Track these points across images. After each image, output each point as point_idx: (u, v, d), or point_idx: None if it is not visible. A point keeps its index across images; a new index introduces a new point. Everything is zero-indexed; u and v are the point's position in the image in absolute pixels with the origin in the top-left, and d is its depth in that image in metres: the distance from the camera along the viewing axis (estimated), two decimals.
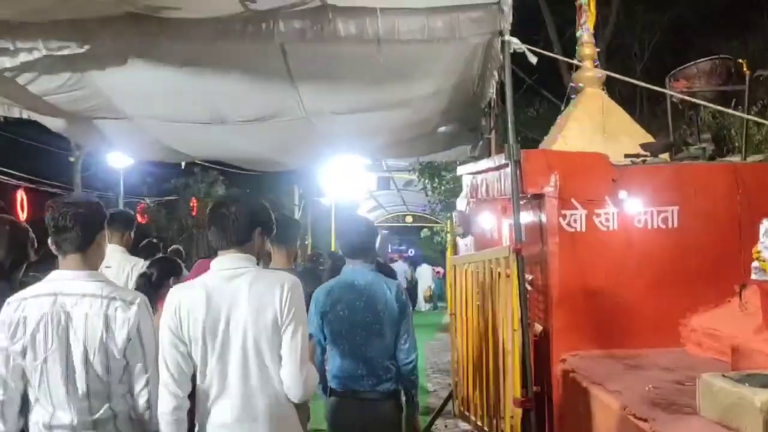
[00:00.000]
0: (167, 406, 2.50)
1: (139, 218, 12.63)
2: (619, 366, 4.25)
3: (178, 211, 13.54)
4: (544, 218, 4.56)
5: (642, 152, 4.87)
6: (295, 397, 2.62)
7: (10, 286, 2.78)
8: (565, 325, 4.49)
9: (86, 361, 2.40)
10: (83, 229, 2.49)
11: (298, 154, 7.41)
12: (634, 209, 4.52)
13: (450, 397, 6.22)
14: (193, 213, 14.33)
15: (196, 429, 2.63)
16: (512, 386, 4.56)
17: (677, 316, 4.53)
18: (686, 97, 5.18)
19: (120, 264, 4.19)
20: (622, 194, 4.49)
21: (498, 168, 5.09)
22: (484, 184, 5.65)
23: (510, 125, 4.42)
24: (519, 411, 4.32)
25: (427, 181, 11.94)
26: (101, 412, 2.43)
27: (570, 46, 6.82)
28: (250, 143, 6.62)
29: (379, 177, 17.91)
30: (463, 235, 6.87)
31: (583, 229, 4.52)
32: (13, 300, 2.46)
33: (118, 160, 9.26)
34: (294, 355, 2.58)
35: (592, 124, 5.26)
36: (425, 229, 19.86)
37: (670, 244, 4.57)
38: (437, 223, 23.14)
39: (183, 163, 8.72)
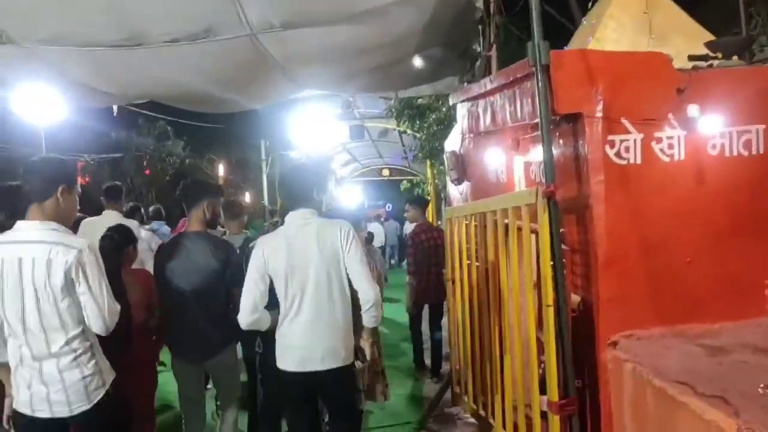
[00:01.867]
0: (246, 319, 3.25)
1: (79, 179, 11.09)
2: (695, 350, 3.04)
3: (123, 169, 11.91)
4: (583, 148, 3.26)
5: (710, 53, 3.56)
6: (368, 301, 3.23)
7: None
8: (615, 294, 3.24)
9: (37, 300, 2.66)
10: (40, 182, 2.75)
11: (248, 90, 5.98)
12: (707, 130, 3.24)
13: (448, 384, 4.99)
14: (147, 171, 12.76)
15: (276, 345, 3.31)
16: (529, 375, 3.36)
17: (764, 277, 3.32)
18: None
19: None
20: (692, 110, 3.19)
21: (511, 84, 3.76)
22: (488, 111, 4.32)
23: (534, 11, 3.08)
24: (557, 418, 3.09)
25: (406, 124, 10.49)
26: (59, 346, 2.69)
27: None
28: (182, 74, 5.19)
29: (351, 126, 16.38)
30: (457, 182, 5.56)
31: (638, 161, 3.24)
32: None
33: (39, 115, 7.68)
34: (361, 269, 3.22)
35: (634, 21, 3.93)
36: (404, 182, 18.51)
37: (754, 178, 3.31)
38: (415, 175, 21.81)
39: (115, 110, 7.25)
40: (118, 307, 2.85)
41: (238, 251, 4.00)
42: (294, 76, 5.77)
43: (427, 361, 6.93)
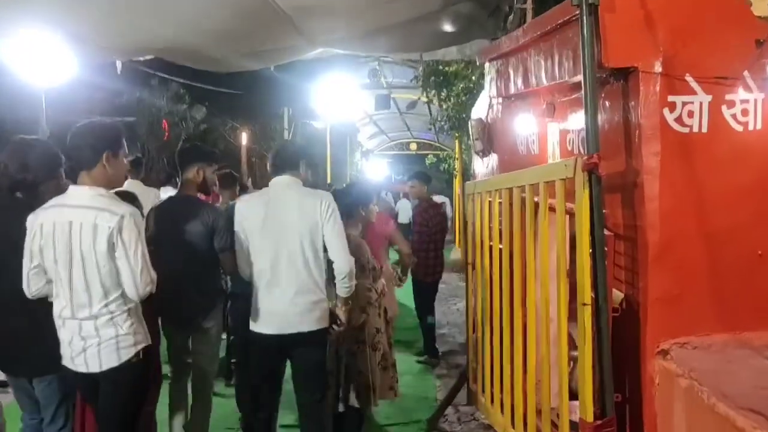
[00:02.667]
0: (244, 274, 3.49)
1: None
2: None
3: (135, 133, 11.40)
4: (635, 111, 2.65)
5: None
6: (341, 272, 3.37)
7: (35, 201, 3.02)
8: (667, 292, 2.65)
9: (83, 263, 2.77)
10: (85, 149, 2.85)
11: (252, 43, 5.41)
12: None
13: (463, 379, 4.45)
14: (166, 137, 12.25)
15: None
16: (557, 376, 2.81)
17: None
18: None
19: (141, 196, 3.97)
20: None
21: (549, 34, 3.15)
22: (520, 69, 3.70)
23: None
24: None
25: (432, 93, 9.82)
26: (99, 308, 2.80)
27: None
28: (179, 26, 4.64)
29: (377, 96, 15.75)
30: (483, 153, 4.95)
31: (704, 129, 2.63)
32: (38, 209, 2.87)
33: (39, 74, 7.23)
34: (338, 241, 3.37)
35: None
36: (430, 156, 17.88)
37: None
38: (443, 150, 21.12)
39: (118, 67, 6.74)
40: (155, 275, 2.91)
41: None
42: (305, 30, 5.18)
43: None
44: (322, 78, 15.45)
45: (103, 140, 2.88)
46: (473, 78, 9.15)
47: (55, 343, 2.89)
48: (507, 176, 3.62)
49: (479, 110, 5.17)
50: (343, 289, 3.41)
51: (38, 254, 2.83)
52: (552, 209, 2.99)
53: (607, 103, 2.83)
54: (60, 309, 2.84)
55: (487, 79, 4.51)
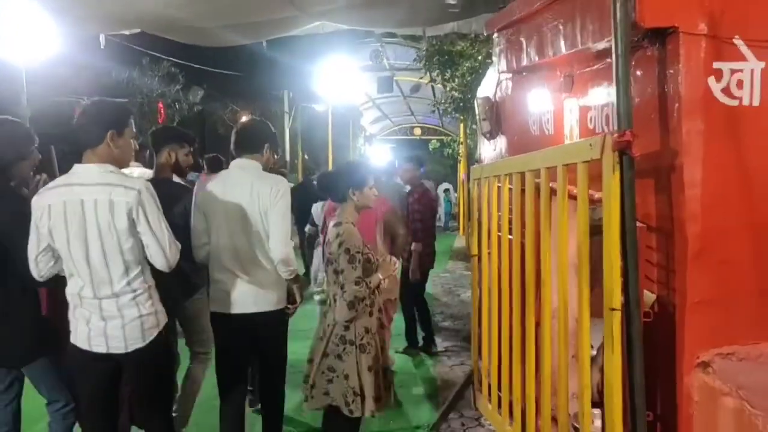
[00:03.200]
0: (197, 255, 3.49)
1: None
2: None
3: None
4: (674, 81, 2.24)
5: None
6: (275, 258, 3.37)
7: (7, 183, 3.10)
8: (709, 294, 2.26)
9: (101, 240, 2.72)
10: (91, 127, 2.80)
11: (242, 18, 5.00)
12: None
13: (468, 382, 4.08)
14: (161, 119, 11.81)
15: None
16: (577, 380, 2.42)
17: None
18: None
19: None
20: None
21: None
22: (534, 39, 3.29)
23: None
24: None
25: (436, 73, 9.37)
26: (121, 286, 2.77)
27: None
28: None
29: (380, 78, 15.28)
30: (490, 135, 4.55)
31: (756, 101, 2.23)
32: (42, 190, 2.82)
33: (19, 53, 6.88)
34: (278, 228, 3.37)
35: None
36: (434, 141, 17.44)
37: None
38: (448, 135, 20.67)
39: (102, 41, 6.34)
40: (179, 245, 2.93)
41: None
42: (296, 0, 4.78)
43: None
44: (323, 59, 15.02)
45: (108, 119, 2.85)
46: (479, 58, 8.73)
47: (35, 329, 3.01)
48: (519, 159, 3.21)
49: (486, 88, 4.75)
50: (283, 274, 3.45)
51: (48, 236, 2.76)
52: (572, 197, 2.59)
53: (638, 73, 2.42)
54: (78, 288, 2.79)
55: (496, 51, 4.09)
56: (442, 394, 4.95)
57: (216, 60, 13.93)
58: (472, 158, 15.67)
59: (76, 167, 2.81)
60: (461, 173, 16.63)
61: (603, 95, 2.77)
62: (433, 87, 15.14)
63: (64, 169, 2.96)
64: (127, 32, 6.23)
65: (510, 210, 3.39)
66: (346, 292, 3.31)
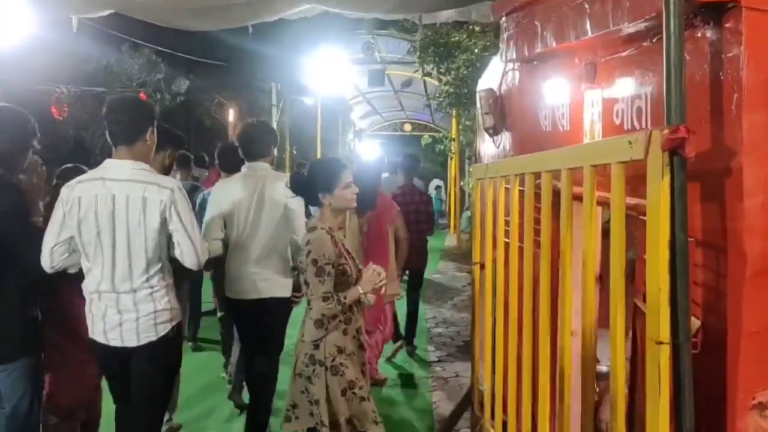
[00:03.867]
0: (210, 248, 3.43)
1: (54, 112, 9.67)
2: None
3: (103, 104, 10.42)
4: (732, 66, 1.87)
5: None
6: (302, 242, 3.25)
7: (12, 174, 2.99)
8: None
9: (128, 236, 2.77)
10: (130, 123, 2.85)
11: (230, 1, 4.59)
12: None
13: (466, 402, 3.71)
14: None
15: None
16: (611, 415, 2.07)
17: None
18: None
19: None
20: None
21: None
22: (551, 21, 2.91)
23: None
24: None
25: (431, 66, 8.97)
26: (140, 282, 2.82)
27: None
28: None
29: (371, 71, 14.87)
30: (493, 130, 4.17)
31: None
32: (71, 182, 2.86)
33: None
34: (299, 217, 3.72)
35: None
36: (426, 136, 17.07)
37: None
38: (438, 131, 20.29)
39: (74, 24, 5.90)
40: (206, 244, 3.04)
41: None
42: None
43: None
44: (313, 51, 14.60)
45: (148, 116, 2.97)
46: (476, 51, 8.36)
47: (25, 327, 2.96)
48: (533, 158, 2.83)
49: (489, 80, 4.39)
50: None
51: (75, 227, 2.80)
52: (603, 204, 2.23)
53: (686, 57, 2.04)
54: (96, 283, 2.83)
55: (503, 38, 3.71)
56: (437, 407, 4.59)
57: (202, 49, 13.45)
58: (463, 155, 15.31)
59: (108, 162, 2.87)
60: (453, 170, 16.27)
61: (635, 85, 2.40)
62: (425, 82, 14.78)
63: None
64: (99, 15, 5.81)
65: (520, 215, 3.03)
66: (312, 309, 2.93)
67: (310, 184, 3.11)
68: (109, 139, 2.89)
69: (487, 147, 4.59)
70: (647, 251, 1.81)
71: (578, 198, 2.34)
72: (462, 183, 15.41)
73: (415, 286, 6.33)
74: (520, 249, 3.01)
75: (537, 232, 2.94)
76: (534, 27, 3.11)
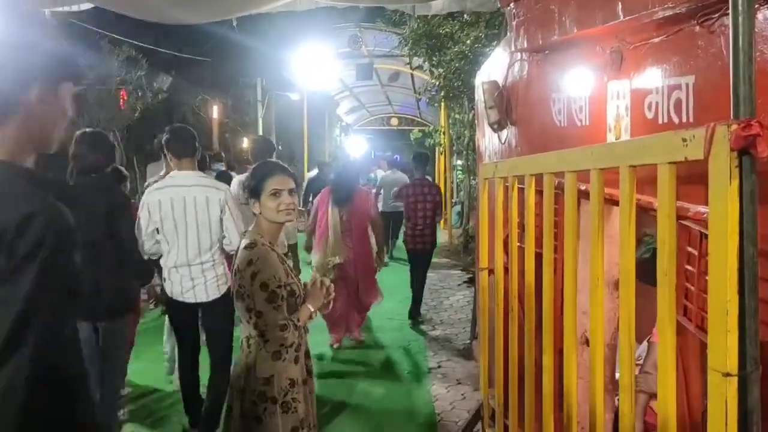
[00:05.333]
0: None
1: None
2: None
3: (84, 105, 9.94)
4: None
5: None
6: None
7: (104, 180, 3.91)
8: None
9: (197, 226, 3.84)
10: (189, 143, 3.96)
11: None
12: None
13: (476, 419, 3.46)
14: (120, 107, 10.90)
15: None
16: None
17: None
18: None
19: None
20: None
21: None
22: (572, 4, 2.65)
23: None
24: None
25: (423, 59, 8.69)
26: (205, 257, 3.88)
27: None
28: None
29: (358, 65, 14.55)
30: (498, 126, 3.91)
31: None
32: (152, 189, 3.97)
33: None
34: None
35: None
36: (415, 131, 16.77)
37: None
38: (426, 125, 19.99)
39: (47, 14, 5.55)
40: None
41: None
42: None
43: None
44: (298, 45, 14.27)
45: (196, 138, 4.06)
46: (467, 42, 8.10)
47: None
48: (554, 156, 2.56)
49: (492, 71, 4.13)
50: None
51: (159, 222, 3.85)
52: (645, 209, 1.98)
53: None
54: (174, 259, 3.83)
55: (511, 26, 3.45)
56: (441, 420, 4.34)
57: (184, 44, 13.07)
58: (452, 150, 15.05)
59: (175, 173, 3.94)
60: (441, 164, 16.02)
61: (673, 74, 2.14)
62: (413, 75, 14.47)
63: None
64: (76, 8, 5.49)
65: (537, 218, 2.78)
66: (268, 341, 2.55)
67: (248, 188, 2.75)
68: (170, 156, 3.95)
69: (489, 143, 4.34)
70: (710, 268, 1.56)
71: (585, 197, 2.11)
72: (454, 176, 15.20)
73: (425, 264, 7.24)
74: (537, 255, 2.76)
75: (556, 237, 2.71)
76: (550, 13, 2.85)
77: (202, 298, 3.86)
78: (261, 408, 2.57)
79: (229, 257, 3.78)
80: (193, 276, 3.84)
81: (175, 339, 4.27)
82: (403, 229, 7.75)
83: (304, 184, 10.24)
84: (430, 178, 13.11)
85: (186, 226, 3.78)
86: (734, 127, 1.48)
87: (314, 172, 10.65)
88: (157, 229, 3.85)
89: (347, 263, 5.82)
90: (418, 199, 7.12)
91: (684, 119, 2.11)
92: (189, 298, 3.85)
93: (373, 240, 6.12)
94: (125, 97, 11.79)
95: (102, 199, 3.60)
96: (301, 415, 2.63)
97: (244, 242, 2.64)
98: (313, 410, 2.80)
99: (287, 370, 2.61)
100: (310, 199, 8.59)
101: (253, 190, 2.67)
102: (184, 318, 4.01)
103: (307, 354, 2.78)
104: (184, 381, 4.09)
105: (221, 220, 3.82)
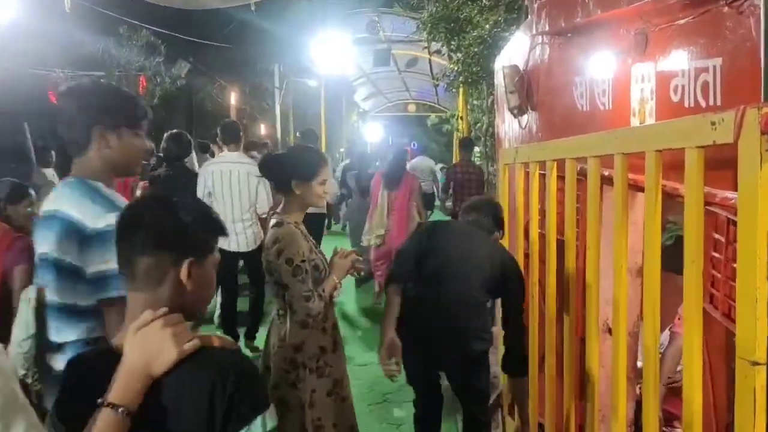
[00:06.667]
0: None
1: (52, 97, 9.46)
2: None
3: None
4: None
5: None
6: None
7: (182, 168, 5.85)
8: None
9: (239, 193, 5.29)
10: (235, 132, 5.55)
11: None
12: None
13: (497, 405, 3.43)
14: (141, 93, 10.97)
15: None
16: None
17: None
18: None
19: None
20: None
21: None
22: None
23: None
24: None
25: (441, 43, 8.62)
26: (246, 216, 5.33)
27: None
28: None
29: (376, 51, 14.48)
30: (519, 110, 3.87)
31: None
32: (205, 164, 5.67)
33: None
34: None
35: None
36: (432, 116, 16.66)
37: None
38: (444, 111, 19.87)
39: (66, 4, 5.61)
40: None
41: None
42: None
43: None
44: (316, 31, 14.22)
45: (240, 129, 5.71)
46: (486, 26, 8.01)
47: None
48: (577, 141, 2.52)
49: (513, 56, 4.07)
50: None
51: (211, 187, 5.26)
52: (671, 195, 1.94)
53: None
54: (222, 217, 4.07)
55: (533, 9, 3.39)
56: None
57: (202, 30, 13.05)
58: (470, 136, 14.93)
59: (226, 152, 5.49)
60: (455, 151, 15.93)
61: (700, 57, 2.09)
62: (430, 61, 14.34)
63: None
64: None
65: (559, 205, 2.74)
66: (295, 312, 2.67)
67: (284, 167, 2.83)
68: (222, 142, 5.55)
69: (509, 128, 4.29)
70: (739, 255, 1.52)
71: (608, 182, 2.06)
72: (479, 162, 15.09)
73: None
74: (558, 242, 2.73)
75: (578, 224, 2.67)
76: None
77: (243, 248, 5.26)
78: (293, 375, 2.70)
79: (261, 219, 5.32)
80: (236, 230, 5.16)
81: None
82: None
83: (338, 172, 10.26)
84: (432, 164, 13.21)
85: (231, 192, 5.22)
86: (765, 109, 1.43)
87: (347, 161, 11.07)
88: (209, 193, 5.20)
89: (388, 236, 6.79)
90: (464, 177, 8.24)
91: (711, 102, 2.05)
92: (234, 248, 5.16)
93: (414, 212, 6.97)
94: (144, 84, 11.83)
95: (190, 177, 5.43)
96: (335, 378, 2.76)
97: (272, 221, 2.82)
98: (347, 384, 2.88)
99: (316, 337, 2.75)
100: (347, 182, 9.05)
101: (304, 175, 2.77)
102: (227, 264, 4.77)
103: (334, 326, 2.87)
104: (224, 314, 5.56)
105: (256, 189, 5.23)
